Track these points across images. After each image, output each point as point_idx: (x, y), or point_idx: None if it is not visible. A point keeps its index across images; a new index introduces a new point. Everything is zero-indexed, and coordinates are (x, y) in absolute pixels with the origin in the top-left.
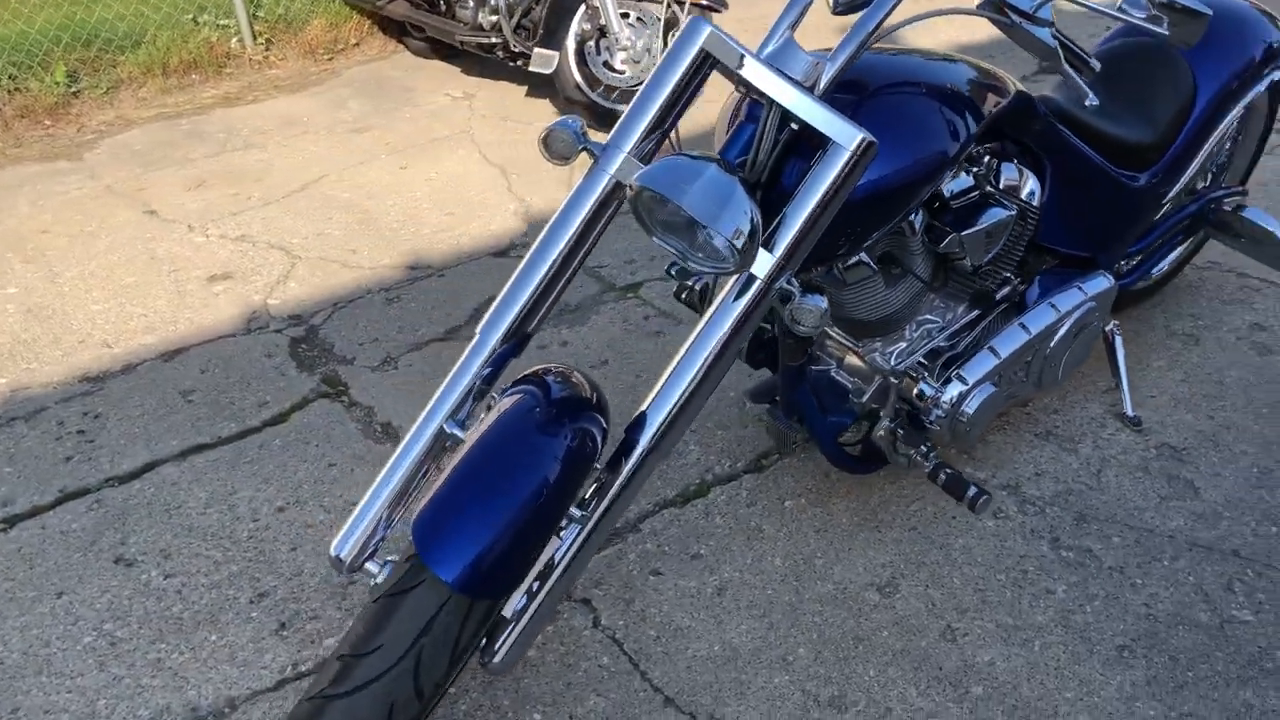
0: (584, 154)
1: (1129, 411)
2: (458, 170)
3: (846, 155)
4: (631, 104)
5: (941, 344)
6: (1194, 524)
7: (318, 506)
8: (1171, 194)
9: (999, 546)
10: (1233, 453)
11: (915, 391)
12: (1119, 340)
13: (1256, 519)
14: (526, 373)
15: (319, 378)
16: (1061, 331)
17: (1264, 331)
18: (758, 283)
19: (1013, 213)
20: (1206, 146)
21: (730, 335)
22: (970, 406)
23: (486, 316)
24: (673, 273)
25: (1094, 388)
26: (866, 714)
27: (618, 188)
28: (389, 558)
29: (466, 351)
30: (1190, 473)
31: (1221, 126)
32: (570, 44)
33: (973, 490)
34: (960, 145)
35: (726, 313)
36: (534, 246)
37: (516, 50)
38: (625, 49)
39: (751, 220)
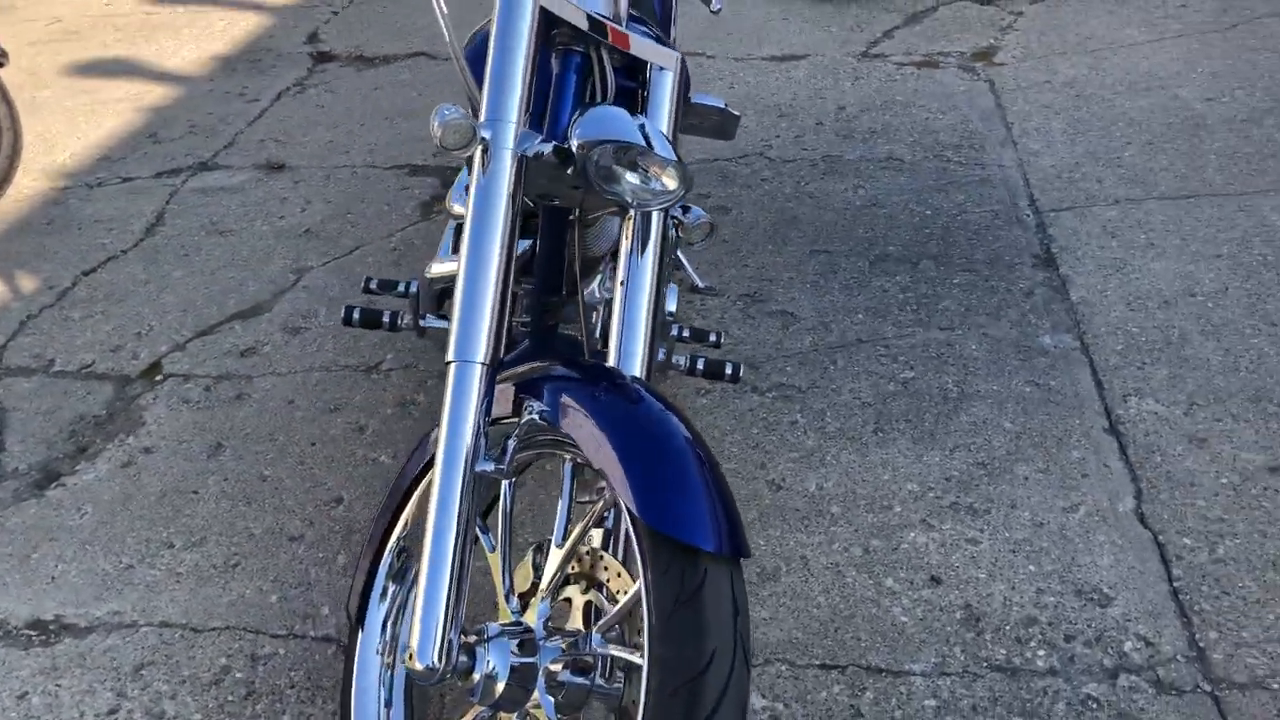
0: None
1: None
2: None
3: (673, 76)
4: (490, 75)
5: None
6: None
7: None
8: None
9: None
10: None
11: None
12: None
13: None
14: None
15: None
16: None
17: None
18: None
19: None
20: None
21: (661, 268)
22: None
23: (453, 347)
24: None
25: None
26: None
27: (524, 162)
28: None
29: (450, 391)
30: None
31: None
32: None
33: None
34: None
35: (650, 250)
36: (465, 257)
37: None
38: None
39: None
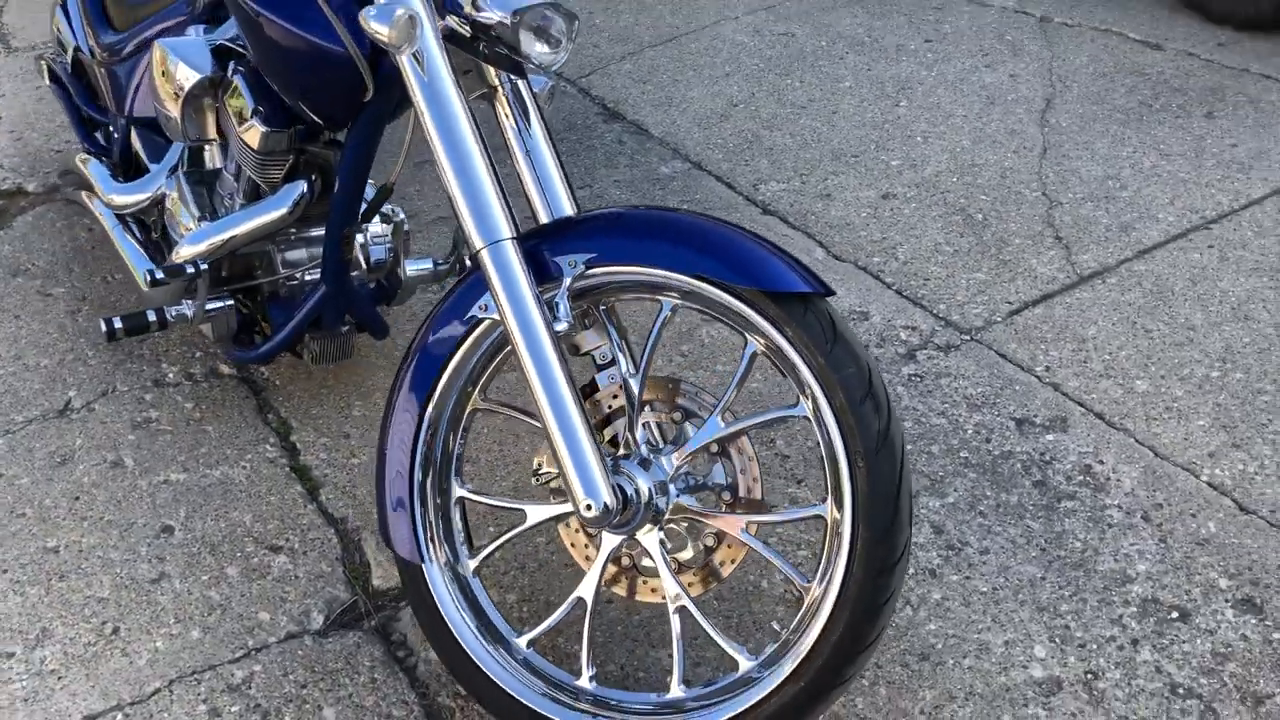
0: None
1: None
2: None
3: None
4: None
5: None
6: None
7: None
8: None
9: None
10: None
11: None
12: None
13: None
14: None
15: None
16: None
17: None
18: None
19: None
20: None
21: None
22: None
23: (477, 235)
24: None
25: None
26: None
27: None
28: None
29: (495, 272)
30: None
31: None
32: None
33: None
34: None
35: (537, 114)
36: (443, 152)
37: None
38: None
39: None
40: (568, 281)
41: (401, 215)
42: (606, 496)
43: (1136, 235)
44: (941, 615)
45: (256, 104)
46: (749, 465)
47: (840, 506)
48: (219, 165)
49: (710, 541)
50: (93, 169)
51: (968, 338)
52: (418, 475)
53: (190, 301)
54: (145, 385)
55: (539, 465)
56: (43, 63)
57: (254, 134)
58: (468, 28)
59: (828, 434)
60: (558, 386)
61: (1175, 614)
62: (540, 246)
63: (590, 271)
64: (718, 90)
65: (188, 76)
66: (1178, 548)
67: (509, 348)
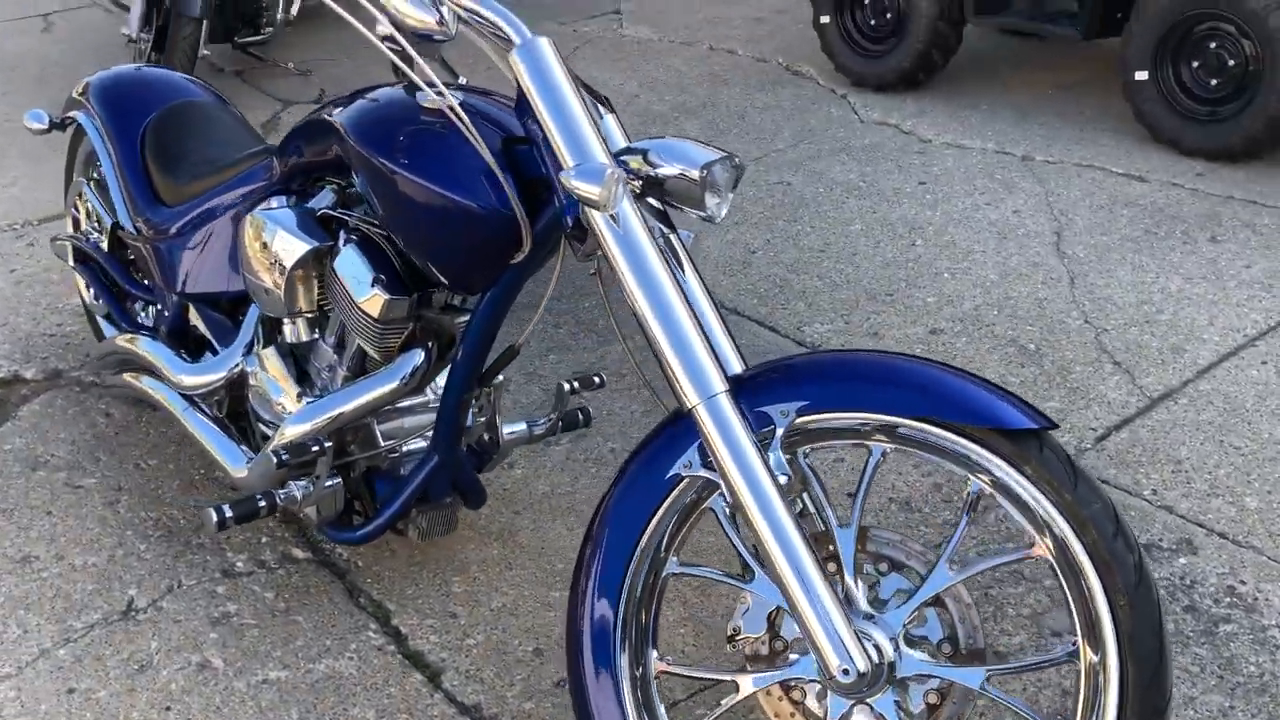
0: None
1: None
2: None
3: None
4: (558, 129)
5: None
6: None
7: None
8: None
9: None
10: None
11: None
12: None
13: None
14: None
15: None
16: None
17: None
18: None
19: None
20: None
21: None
22: None
23: (690, 392)
24: None
25: None
26: None
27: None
28: None
29: (716, 430)
30: None
31: None
32: None
33: None
34: None
35: (692, 266)
36: (643, 304)
37: None
38: None
39: None
40: (780, 432)
41: (500, 376)
42: (860, 660)
43: (1190, 356)
44: None
45: (378, 271)
46: (967, 613)
47: (1098, 648)
48: (303, 338)
49: (933, 699)
50: (150, 349)
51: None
52: (617, 653)
53: (299, 483)
54: (214, 577)
55: (736, 630)
56: (66, 244)
57: (376, 302)
58: (638, 183)
59: (1079, 572)
60: (795, 547)
61: None
62: (746, 397)
63: (800, 420)
64: (732, 239)
65: (294, 248)
66: None
67: (704, 505)
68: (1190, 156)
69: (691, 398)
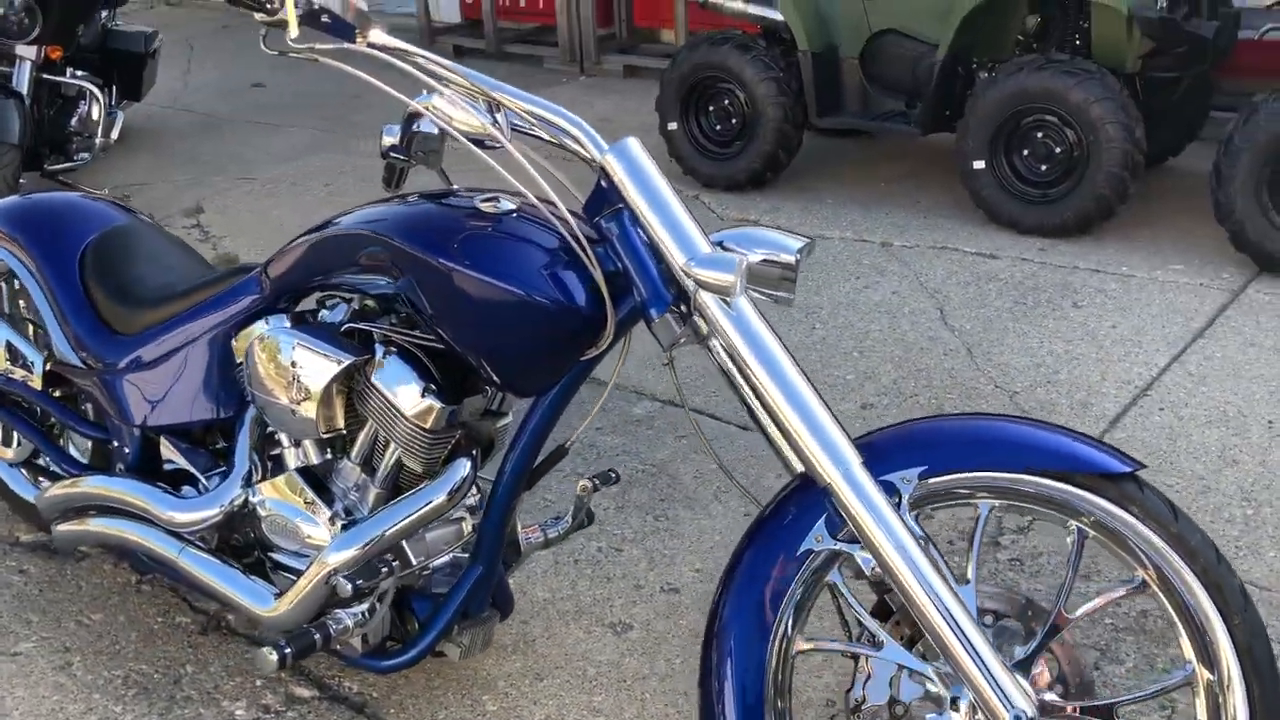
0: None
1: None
2: None
3: None
4: (666, 227)
5: None
6: None
7: None
8: None
9: None
10: None
11: None
12: None
13: None
14: None
15: None
16: None
17: None
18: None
19: None
20: None
21: None
22: None
23: (830, 469)
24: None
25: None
26: None
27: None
28: None
29: (859, 503)
30: None
31: None
32: None
33: None
34: None
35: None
36: (772, 387)
37: None
38: None
39: None
40: (906, 497)
41: None
42: (1026, 705)
43: (1096, 410)
44: None
45: (427, 381)
46: (1073, 653)
47: (1213, 666)
48: (324, 459)
49: None
50: (128, 488)
51: (1028, 521)
52: None
53: (349, 611)
54: None
55: (861, 699)
56: None
57: (429, 413)
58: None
59: (1190, 598)
60: (954, 611)
61: None
62: (871, 466)
63: (922, 483)
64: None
65: (326, 365)
66: None
67: (827, 578)
68: (1029, 235)
69: (829, 472)
